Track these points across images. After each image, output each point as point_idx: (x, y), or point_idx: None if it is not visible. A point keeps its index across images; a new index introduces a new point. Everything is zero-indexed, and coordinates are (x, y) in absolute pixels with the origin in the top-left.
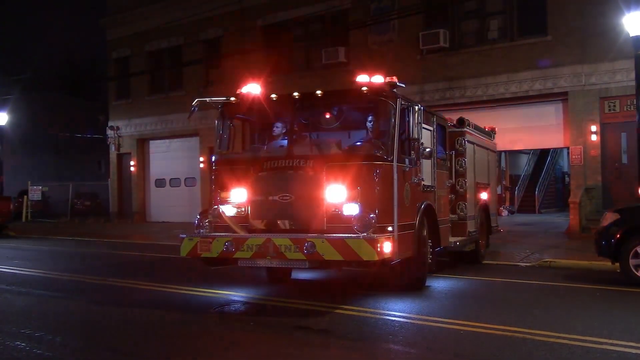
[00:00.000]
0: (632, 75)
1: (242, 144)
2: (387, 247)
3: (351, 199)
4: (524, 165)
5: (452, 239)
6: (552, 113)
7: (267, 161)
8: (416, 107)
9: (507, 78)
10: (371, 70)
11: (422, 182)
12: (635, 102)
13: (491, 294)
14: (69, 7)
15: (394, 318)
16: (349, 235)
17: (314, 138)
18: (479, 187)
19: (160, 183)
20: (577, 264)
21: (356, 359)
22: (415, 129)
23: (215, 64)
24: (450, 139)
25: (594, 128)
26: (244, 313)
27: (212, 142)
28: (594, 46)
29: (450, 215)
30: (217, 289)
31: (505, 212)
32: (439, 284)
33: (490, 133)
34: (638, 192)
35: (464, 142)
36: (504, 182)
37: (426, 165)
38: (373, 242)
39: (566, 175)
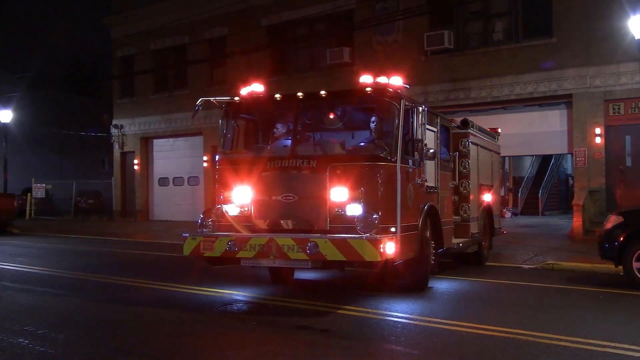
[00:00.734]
0: (637, 77)
1: (246, 143)
2: (390, 247)
3: (354, 200)
4: (528, 167)
5: (455, 241)
6: (556, 119)
7: (270, 161)
8: (420, 108)
9: (511, 80)
10: (375, 70)
11: (426, 183)
12: None
13: (494, 296)
14: (73, 6)
15: (396, 319)
16: (352, 235)
17: (318, 138)
18: (482, 189)
19: (163, 182)
20: (580, 266)
21: None
22: (419, 130)
23: (219, 63)
24: (454, 140)
25: (598, 130)
26: (247, 312)
27: (216, 142)
28: (599, 48)
29: (454, 217)
30: (220, 288)
31: (508, 214)
32: (442, 285)
33: (494, 135)
34: None
35: (468, 144)
36: (507, 184)
37: (430, 166)
38: (376, 243)
39: (570, 178)
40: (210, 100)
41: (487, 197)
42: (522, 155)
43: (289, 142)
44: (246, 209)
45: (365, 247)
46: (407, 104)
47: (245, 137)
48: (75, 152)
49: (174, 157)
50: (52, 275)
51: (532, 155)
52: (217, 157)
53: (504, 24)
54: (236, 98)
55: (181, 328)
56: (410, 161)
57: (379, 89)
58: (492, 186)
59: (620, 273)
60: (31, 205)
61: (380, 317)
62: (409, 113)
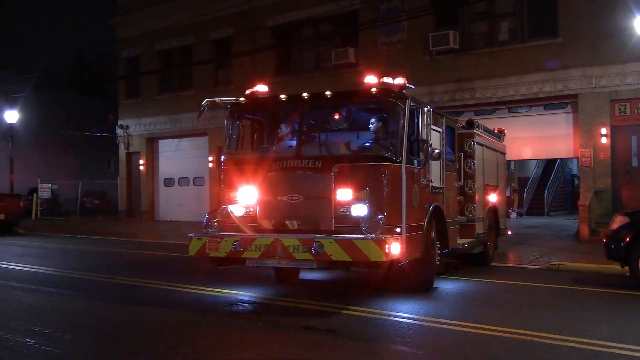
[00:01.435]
0: None
1: (251, 144)
2: (395, 248)
3: (359, 200)
4: (533, 167)
5: (460, 241)
6: (562, 123)
7: (275, 161)
8: (425, 109)
9: (517, 80)
10: (381, 70)
11: (431, 184)
12: None
13: (499, 297)
14: (79, 7)
15: (401, 319)
16: (357, 236)
17: (323, 139)
18: (487, 189)
19: (169, 182)
20: (586, 267)
21: None
22: (424, 131)
23: (224, 63)
24: (459, 141)
25: (604, 131)
26: (252, 312)
27: (221, 142)
28: (604, 48)
29: (459, 217)
30: (225, 288)
31: (513, 215)
32: (447, 286)
33: (500, 135)
34: None
35: (473, 144)
36: (512, 184)
37: (435, 166)
38: (381, 243)
39: (575, 178)
40: (215, 100)
41: (493, 198)
42: (528, 159)
43: (294, 142)
44: (251, 209)
45: (370, 248)
46: (412, 104)
47: (250, 138)
48: (81, 153)
49: (179, 157)
50: (58, 275)
51: None
52: (222, 157)
53: (510, 24)
54: (241, 99)
55: (187, 328)
56: (415, 161)
57: (384, 90)
58: (497, 186)
59: (626, 274)
60: (37, 206)
61: (386, 317)
62: (414, 113)
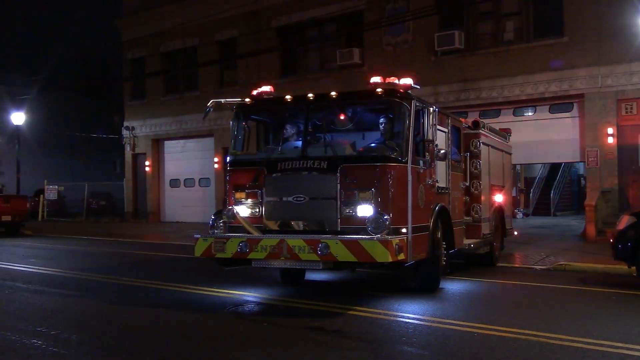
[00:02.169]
0: None
1: (257, 144)
2: (400, 248)
3: (365, 201)
4: (539, 167)
5: (466, 241)
6: (568, 126)
7: (281, 162)
8: (431, 109)
9: (522, 80)
10: (386, 71)
11: (437, 184)
12: None
13: (505, 297)
14: (84, 8)
15: (407, 320)
16: (363, 236)
17: (328, 139)
18: (493, 189)
19: (174, 183)
20: (592, 267)
21: None
22: (430, 131)
23: (229, 64)
24: (465, 141)
25: (610, 130)
26: (258, 313)
27: (227, 143)
28: (610, 48)
29: (465, 217)
30: (231, 289)
31: (520, 215)
32: (453, 286)
33: (505, 135)
34: None
35: (479, 144)
36: (518, 185)
37: (441, 167)
38: (387, 244)
39: (582, 178)
40: (220, 101)
41: (499, 198)
42: (534, 163)
43: (299, 143)
44: (257, 210)
45: (376, 248)
46: (417, 104)
47: (256, 139)
48: (87, 154)
49: (185, 158)
50: (65, 276)
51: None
52: (228, 158)
53: (515, 23)
54: (247, 99)
55: (192, 329)
56: (421, 162)
57: (390, 90)
58: (503, 187)
59: (633, 274)
60: (43, 207)
61: (392, 318)
62: (419, 114)
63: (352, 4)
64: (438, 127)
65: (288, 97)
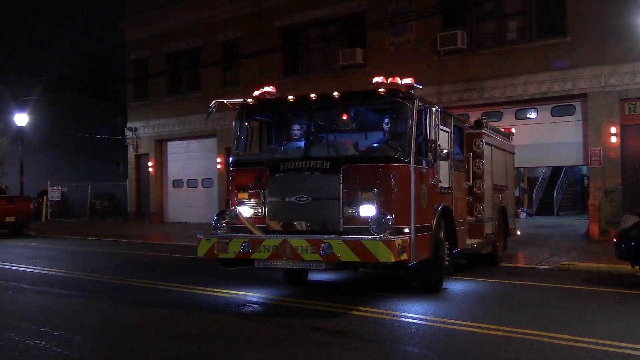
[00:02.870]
0: None
1: (259, 145)
2: (403, 248)
3: (368, 201)
4: (543, 167)
5: (469, 241)
6: (571, 129)
7: (283, 162)
8: (433, 109)
9: (525, 79)
10: (389, 71)
11: (439, 184)
12: None
13: (509, 297)
14: (88, 9)
15: (410, 320)
16: (366, 236)
17: (331, 139)
18: (496, 189)
19: (177, 184)
20: (596, 267)
21: None
22: (433, 131)
23: (232, 65)
24: (467, 141)
25: (613, 130)
26: (261, 313)
27: (230, 143)
28: (614, 47)
29: (468, 217)
30: (234, 289)
31: (523, 215)
32: (456, 286)
33: (508, 135)
34: None
35: (482, 144)
36: (522, 184)
37: (443, 166)
38: (390, 244)
39: (585, 178)
40: (223, 102)
41: (502, 198)
42: (537, 166)
43: (302, 143)
44: (260, 210)
45: (379, 248)
46: (420, 104)
47: (258, 139)
48: (90, 155)
49: (188, 159)
50: (69, 277)
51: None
52: (230, 158)
53: (518, 23)
54: (249, 100)
55: (195, 329)
56: (423, 162)
57: (392, 90)
58: (506, 186)
59: (637, 273)
60: (47, 208)
61: (395, 318)
62: (422, 113)
63: (355, 4)
64: (441, 126)
65: (290, 97)
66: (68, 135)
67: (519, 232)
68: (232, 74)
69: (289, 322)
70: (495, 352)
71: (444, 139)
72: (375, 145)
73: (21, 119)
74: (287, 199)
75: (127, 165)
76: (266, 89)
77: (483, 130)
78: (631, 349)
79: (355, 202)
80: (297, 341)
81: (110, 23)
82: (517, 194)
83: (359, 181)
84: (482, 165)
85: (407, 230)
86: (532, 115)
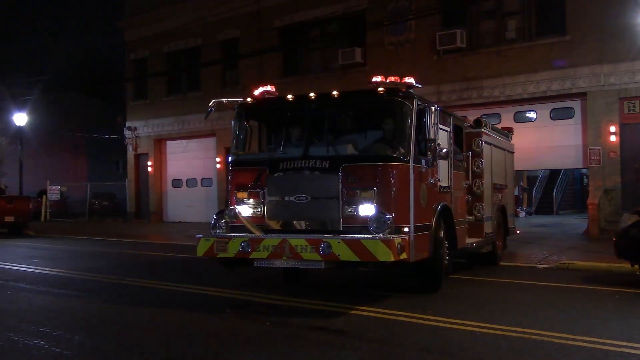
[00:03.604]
0: None
1: (259, 144)
2: (403, 248)
3: (367, 200)
4: None
5: (469, 241)
6: (570, 132)
7: (283, 162)
8: (433, 108)
9: (525, 78)
10: (388, 70)
11: (439, 183)
12: None
13: (508, 296)
14: (87, 9)
15: (410, 319)
16: (365, 236)
17: (330, 139)
18: (496, 188)
19: (177, 183)
20: (595, 266)
21: None
22: (432, 130)
23: (232, 64)
24: (467, 140)
25: (613, 129)
26: (260, 313)
27: (229, 143)
28: (613, 46)
29: (467, 217)
30: (233, 289)
31: (522, 214)
32: (456, 286)
33: (507, 134)
34: None
35: (481, 143)
36: (521, 183)
37: (443, 166)
38: (389, 243)
39: (585, 177)
40: (222, 101)
41: (501, 197)
42: (536, 169)
43: (301, 142)
44: (259, 209)
45: (378, 248)
46: (419, 103)
47: (257, 138)
48: (89, 155)
49: (187, 158)
50: (68, 276)
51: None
52: (230, 158)
53: (517, 22)
54: (248, 99)
55: (195, 329)
56: (423, 161)
57: (392, 89)
58: (506, 185)
59: (636, 272)
60: (46, 208)
61: (394, 317)
62: (421, 113)
63: (354, 3)
64: (440, 126)
65: (290, 96)
66: (67, 135)
67: (518, 231)
68: (231, 74)
69: (288, 322)
70: (495, 352)
71: (443, 138)
72: (374, 144)
73: (20, 118)
74: (287, 198)
75: (126, 165)
76: (265, 88)
77: (482, 130)
78: (631, 347)
79: (354, 202)
80: (296, 341)
81: (110, 23)
82: (516, 193)
83: (359, 180)
84: (482, 165)
85: (406, 229)
86: (531, 117)
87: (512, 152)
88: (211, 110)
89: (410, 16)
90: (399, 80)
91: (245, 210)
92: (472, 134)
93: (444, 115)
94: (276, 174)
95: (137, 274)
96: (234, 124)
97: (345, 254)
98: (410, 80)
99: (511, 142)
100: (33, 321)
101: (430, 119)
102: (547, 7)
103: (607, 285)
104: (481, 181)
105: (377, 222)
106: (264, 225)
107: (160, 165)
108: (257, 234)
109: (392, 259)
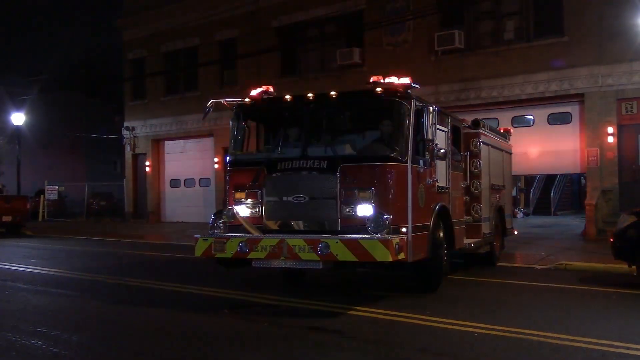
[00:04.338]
0: None
1: (257, 144)
2: (401, 248)
3: (365, 200)
4: None
5: (466, 241)
6: (568, 137)
7: (281, 162)
8: (431, 108)
9: (523, 79)
10: (386, 71)
11: (437, 184)
12: None
13: (506, 297)
14: (85, 9)
15: (408, 320)
16: (364, 236)
17: (328, 139)
18: (493, 189)
19: (175, 183)
20: (593, 266)
21: None
22: (430, 130)
23: (230, 64)
24: (465, 140)
25: (610, 130)
26: (258, 313)
27: (227, 143)
28: (611, 47)
29: (465, 217)
30: (231, 289)
31: (520, 214)
32: (453, 286)
33: (505, 134)
34: None
35: (479, 144)
36: (519, 184)
37: (441, 166)
38: (388, 243)
39: (582, 178)
40: (220, 101)
41: (499, 197)
42: (534, 174)
43: (299, 143)
44: (257, 210)
45: (376, 248)
46: (417, 103)
47: (255, 138)
48: (87, 154)
49: (185, 158)
50: (65, 276)
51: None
52: (228, 158)
53: (515, 23)
54: (246, 99)
55: (193, 329)
56: (421, 161)
57: (390, 89)
58: (503, 186)
59: (633, 273)
60: (44, 207)
61: (392, 317)
62: (419, 113)
63: (352, 3)
64: (438, 126)
65: (288, 96)
66: (65, 135)
67: (515, 232)
68: (229, 74)
69: (286, 322)
70: (492, 352)
71: (441, 138)
72: (372, 144)
73: (18, 118)
74: (285, 198)
75: (124, 165)
76: (263, 88)
77: (480, 130)
78: (628, 348)
79: (352, 202)
80: (295, 341)
81: (108, 22)
82: (514, 193)
83: (357, 181)
84: (480, 165)
85: (404, 229)
86: (529, 122)
87: (510, 153)
88: (209, 110)
89: (408, 17)
90: (397, 81)
91: (243, 210)
92: (470, 134)
93: (442, 115)
94: (274, 174)
95: (134, 274)
96: (232, 124)
97: (344, 254)
98: (408, 80)
99: (509, 142)
100: (30, 321)
101: (428, 119)
102: (545, 8)
103: (604, 286)
104: (479, 182)
105: (375, 222)
106: (262, 225)
107: (158, 165)
108: (255, 234)
109: (390, 259)
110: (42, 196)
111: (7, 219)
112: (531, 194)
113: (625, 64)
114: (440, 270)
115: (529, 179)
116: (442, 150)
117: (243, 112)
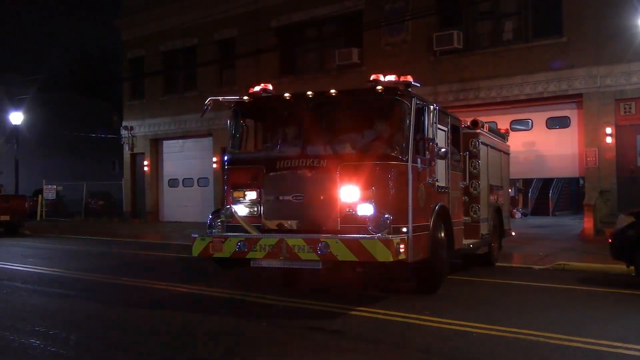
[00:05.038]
0: None
1: (255, 143)
2: (401, 248)
3: (365, 199)
4: None
5: (465, 241)
6: (567, 140)
7: (280, 161)
8: (431, 107)
9: (521, 80)
10: (385, 71)
11: (437, 183)
12: None
13: (504, 297)
14: (84, 8)
15: (407, 320)
16: (364, 235)
17: (328, 137)
18: (492, 189)
19: (173, 183)
20: (591, 267)
21: None
22: (430, 129)
23: (229, 64)
24: (464, 141)
25: (609, 130)
26: (257, 313)
27: (225, 143)
28: (609, 48)
29: (464, 217)
30: (230, 289)
31: (518, 215)
32: (453, 286)
33: (504, 135)
34: None
35: (478, 144)
36: (517, 185)
37: (440, 166)
38: (388, 243)
39: (580, 178)
40: (219, 99)
41: (497, 198)
42: (533, 177)
43: (298, 141)
44: (256, 209)
45: (377, 248)
46: (418, 102)
47: (254, 137)
48: (85, 154)
49: (183, 158)
50: (64, 276)
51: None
52: (226, 157)
53: (514, 23)
54: (245, 98)
55: (191, 329)
56: (421, 160)
57: (390, 88)
58: (502, 186)
59: (632, 273)
60: (42, 207)
61: (392, 318)
62: (420, 112)
63: (352, 3)
64: (438, 125)
65: (287, 94)
66: (63, 134)
67: (513, 233)
68: (228, 74)
69: (285, 322)
70: (491, 352)
71: (441, 138)
72: (372, 143)
73: (16, 117)
74: (284, 197)
75: (122, 164)
76: (262, 86)
77: (479, 130)
78: (626, 348)
79: (352, 201)
80: (294, 341)
81: (107, 22)
82: (512, 194)
83: (356, 180)
84: (479, 165)
85: (405, 229)
86: (528, 125)
87: (508, 154)
88: (207, 108)
89: (407, 17)
90: (397, 79)
91: (241, 209)
92: (469, 134)
93: (442, 115)
94: (273, 173)
95: (133, 274)
96: (231, 122)
97: (344, 254)
98: (408, 79)
99: (507, 143)
100: (28, 320)
101: (429, 118)
102: (543, 9)
103: (603, 286)
104: (478, 182)
105: (376, 221)
106: (261, 224)
107: (156, 165)
108: (254, 233)
109: (391, 259)
110: (40, 196)
111: (5, 218)
112: (530, 194)
113: (623, 65)
114: (440, 271)
115: (528, 180)
116: (443, 150)
117: (241, 110)
